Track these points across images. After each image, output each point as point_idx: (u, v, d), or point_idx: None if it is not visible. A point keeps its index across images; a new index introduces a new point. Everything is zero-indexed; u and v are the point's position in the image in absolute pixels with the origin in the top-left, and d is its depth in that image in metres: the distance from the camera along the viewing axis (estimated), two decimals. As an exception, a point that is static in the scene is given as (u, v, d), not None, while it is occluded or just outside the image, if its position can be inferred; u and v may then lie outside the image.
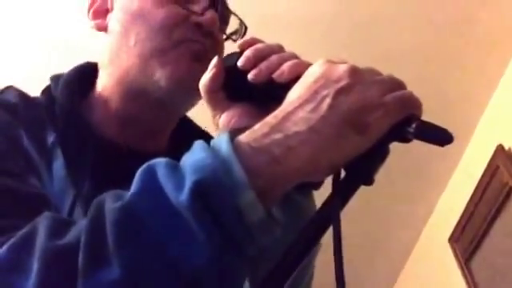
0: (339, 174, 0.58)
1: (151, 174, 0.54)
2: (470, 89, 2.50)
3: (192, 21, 0.85)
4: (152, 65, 0.83)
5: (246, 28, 0.92)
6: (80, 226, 0.54)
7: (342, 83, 0.57)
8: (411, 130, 0.56)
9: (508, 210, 2.33)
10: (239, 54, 0.68)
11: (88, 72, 0.91)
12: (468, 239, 2.57)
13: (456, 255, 2.67)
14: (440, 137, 0.55)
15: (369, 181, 0.57)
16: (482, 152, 2.51)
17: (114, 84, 0.87)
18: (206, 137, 0.56)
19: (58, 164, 0.76)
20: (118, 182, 0.56)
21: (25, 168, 0.71)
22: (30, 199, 0.66)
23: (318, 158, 0.55)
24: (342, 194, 0.57)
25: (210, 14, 0.85)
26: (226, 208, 0.51)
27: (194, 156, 0.54)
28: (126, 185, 0.55)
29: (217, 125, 0.71)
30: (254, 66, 0.66)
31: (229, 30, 0.93)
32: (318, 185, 0.77)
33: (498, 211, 2.37)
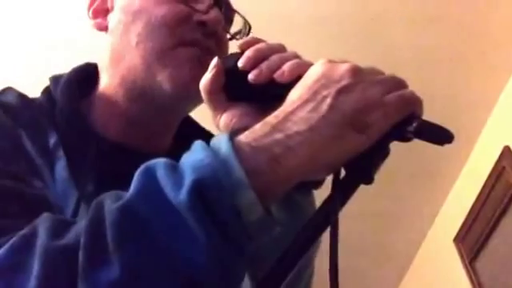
0: (339, 173, 0.58)
1: (150, 174, 0.54)
2: (478, 91, 2.50)
3: (195, 19, 0.83)
4: (153, 66, 0.82)
5: (250, 27, 0.91)
6: (80, 227, 0.54)
7: (343, 83, 0.57)
8: (411, 129, 0.56)
9: (513, 211, 2.33)
10: (240, 55, 0.67)
11: (88, 73, 0.90)
12: (473, 239, 2.57)
13: (461, 255, 2.67)
14: (440, 136, 0.55)
15: (369, 180, 0.57)
16: (488, 153, 2.51)
17: (116, 85, 0.86)
18: (210, 137, 0.56)
19: (61, 165, 0.76)
20: (121, 183, 0.56)
21: (26, 169, 0.70)
22: (32, 200, 0.65)
23: (319, 157, 0.55)
24: (342, 192, 0.57)
25: (214, 13, 0.83)
26: (226, 207, 0.51)
27: (194, 156, 0.54)
28: (130, 186, 0.55)
29: (217, 125, 0.70)
30: (254, 66, 0.65)
31: (233, 29, 0.92)
32: (318, 184, 0.77)
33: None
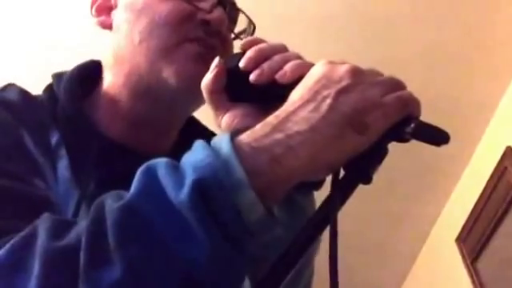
0: (338, 173, 0.58)
1: (151, 173, 0.54)
2: (481, 92, 2.50)
3: (199, 18, 0.83)
4: (158, 63, 0.81)
5: (254, 27, 0.90)
6: (81, 227, 0.54)
7: (343, 84, 0.57)
8: (409, 130, 0.56)
9: (515, 211, 2.33)
10: (241, 55, 0.67)
11: (92, 70, 0.89)
12: (475, 240, 2.57)
13: (463, 255, 2.67)
14: (437, 137, 0.56)
15: (367, 180, 0.58)
16: (490, 154, 2.51)
17: (120, 83, 0.86)
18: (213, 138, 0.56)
19: (63, 165, 0.76)
20: (122, 183, 0.56)
21: (28, 169, 0.70)
22: (33, 200, 0.65)
23: (319, 157, 0.55)
24: (341, 192, 0.58)
25: (218, 12, 0.83)
26: (226, 207, 0.51)
27: (195, 155, 0.54)
28: (131, 186, 0.55)
29: (219, 125, 0.70)
30: (256, 66, 0.65)
31: (237, 29, 0.91)
32: (318, 185, 0.77)
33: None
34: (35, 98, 0.83)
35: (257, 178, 0.53)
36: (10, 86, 0.83)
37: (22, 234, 0.55)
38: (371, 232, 3.01)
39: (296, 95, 0.59)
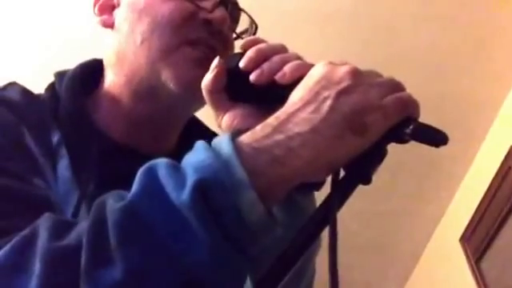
0: (338, 173, 0.58)
1: (152, 174, 0.54)
2: (485, 91, 2.49)
3: (201, 17, 0.83)
4: (157, 65, 0.81)
5: (256, 27, 0.90)
6: (81, 227, 0.54)
7: (343, 85, 0.57)
8: (409, 131, 0.56)
9: (519, 211, 2.33)
10: (242, 55, 0.67)
11: (94, 69, 0.89)
12: (479, 239, 2.57)
13: (467, 255, 2.67)
14: (435, 138, 0.56)
15: (367, 180, 0.58)
16: (494, 153, 2.51)
17: (121, 84, 0.86)
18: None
19: (63, 164, 0.75)
20: (123, 183, 0.56)
21: (28, 168, 0.70)
22: (33, 200, 0.65)
23: (319, 158, 0.55)
24: (341, 192, 0.58)
25: (220, 12, 0.83)
26: (227, 208, 0.51)
27: (196, 156, 0.54)
28: (132, 186, 0.55)
29: (220, 126, 0.70)
30: (256, 66, 0.65)
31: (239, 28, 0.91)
32: (318, 186, 0.76)
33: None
34: (37, 96, 0.83)
35: (257, 178, 0.53)
36: (11, 84, 0.83)
37: (23, 233, 0.55)
38: (375, 232, 3.01)
39: (296, 96, 0.59)
